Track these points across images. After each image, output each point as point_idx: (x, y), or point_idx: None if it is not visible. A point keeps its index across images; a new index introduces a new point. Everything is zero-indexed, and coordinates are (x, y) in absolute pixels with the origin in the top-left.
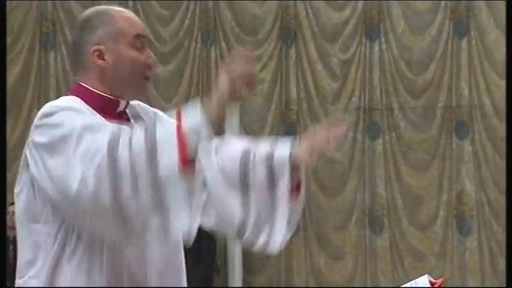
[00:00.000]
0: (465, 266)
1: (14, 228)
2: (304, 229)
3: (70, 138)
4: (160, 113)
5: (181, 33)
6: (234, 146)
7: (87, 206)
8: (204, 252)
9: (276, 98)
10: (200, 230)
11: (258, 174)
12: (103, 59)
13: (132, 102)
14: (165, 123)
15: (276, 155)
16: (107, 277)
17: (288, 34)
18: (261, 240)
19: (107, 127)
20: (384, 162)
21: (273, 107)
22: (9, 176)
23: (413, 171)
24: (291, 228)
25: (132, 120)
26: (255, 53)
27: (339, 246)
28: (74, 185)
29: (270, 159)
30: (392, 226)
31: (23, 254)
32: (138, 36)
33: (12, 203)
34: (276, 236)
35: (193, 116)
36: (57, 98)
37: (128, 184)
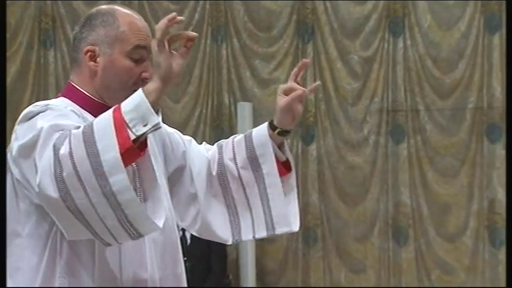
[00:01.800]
0: (498, 280)
1: None
2: (322, 240)
3: (37, 141)
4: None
5: (190, 29)
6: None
7: (47, 207)
8: (214, 265)
9: None
10: (210, 242)
11: (239, 157)
12: (95, 61)
13: None
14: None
15: (255, 133)
16: (93, 278)
17: (305, 30)
18: (261, 226)
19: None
20: (409, 168)
21: None
22: None
23: (441, 177)
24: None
25: None
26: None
27: (360, 259)
28: (35, 187)
29: (249, 138)
30: (418, 237)
31: (10, 262)
32: (138, 47)
33: None
34: (279, 211)
35: (131, 97)
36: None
37: (73, 177)
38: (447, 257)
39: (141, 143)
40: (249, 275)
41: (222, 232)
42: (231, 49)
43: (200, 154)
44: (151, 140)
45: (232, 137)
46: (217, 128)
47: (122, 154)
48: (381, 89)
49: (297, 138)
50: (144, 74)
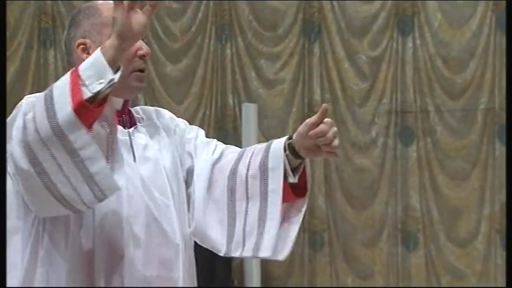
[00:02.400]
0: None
1: None
2: (329, 245)
3: (15, 115)
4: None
5: (193, 28)
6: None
7: (20, 178)
8: (218, 269)
9: (298, 99)
10: None
11: (253, 164)
12: (88, 52)
13: (139, 108)
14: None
15: (274, 143)
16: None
17: (312, 29)
18: (249, 244)
19: None
20: (418, 170)
21: (294, 109)
22: None
23: (451, 180)
24: (291, 229)
25: (140, 123)
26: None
27: (368, 264)
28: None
29: (267, 147)
30: (428, 242)
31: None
32: None
33: None
34: (268, 239)
35: (90, 57)
36: None
37: (37, 139)
38: (458, 262)
39: (100, 101)
40: (253, 279)
41: (216, 240)
42: (235, 49)
43: (206, 154)
44: (173, 142)
45: (259, 143)
46: (221, 130)
47: (75, 111)
48: (390, 90)
49: None
50: (140, 52)
